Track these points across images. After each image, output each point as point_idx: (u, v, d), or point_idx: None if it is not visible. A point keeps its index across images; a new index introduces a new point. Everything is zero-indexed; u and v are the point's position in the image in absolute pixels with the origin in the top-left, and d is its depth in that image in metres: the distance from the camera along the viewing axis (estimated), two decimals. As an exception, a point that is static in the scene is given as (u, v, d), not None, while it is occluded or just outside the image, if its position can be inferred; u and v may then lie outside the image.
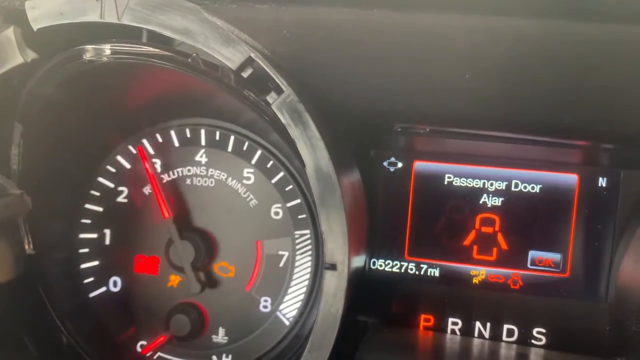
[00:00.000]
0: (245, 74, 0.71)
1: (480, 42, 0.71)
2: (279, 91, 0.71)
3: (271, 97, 0.71)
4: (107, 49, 0.75)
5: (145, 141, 0.99)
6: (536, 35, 0.69)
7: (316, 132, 0.70)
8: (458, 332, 0.99)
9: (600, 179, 0.96)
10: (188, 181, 0.99)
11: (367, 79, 0.78)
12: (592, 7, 0.66)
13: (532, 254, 0.98)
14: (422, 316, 1.00)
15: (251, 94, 0.73)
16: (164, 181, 0.99)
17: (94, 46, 0.75)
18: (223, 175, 0.98)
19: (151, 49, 0.75)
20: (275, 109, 0.70)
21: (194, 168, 0.99)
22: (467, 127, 0.88)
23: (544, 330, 0.98)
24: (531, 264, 0.98)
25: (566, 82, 0.74)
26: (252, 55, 0.70)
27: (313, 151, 0.70)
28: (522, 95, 0.77)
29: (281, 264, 0.97)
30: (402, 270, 1.01)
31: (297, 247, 0.96)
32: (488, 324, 0.99)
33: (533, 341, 0.97)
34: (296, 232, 0.96)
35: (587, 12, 0.66)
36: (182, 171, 0.99)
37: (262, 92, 0.72)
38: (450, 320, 0.99)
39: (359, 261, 0.85)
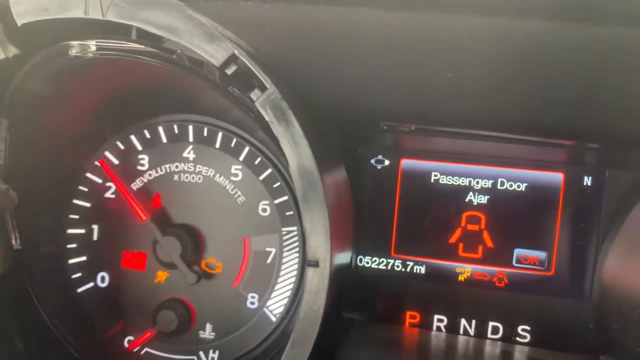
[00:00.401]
0: (229, 71, 0.71)
1: (465, 41, 0.71)
2: (263, 88, 0.71)
3: (255, 95, 0.71)
4: (92, 45, 0.75)
5: (132, 137, 0.99)
6: (521, 35, 0.69)
7: (299, 130, 0.70)
8: (443, 329, 1.00)
9: (586, 177, 0.97)
10: (176, 177, 0.99)
11: (353, 77, 0.78)
12: (577, 7, 0.66)
13: (518, 252, 0.98)
14: (408, 313, 1.01)
15: (236, 90, 0.73)
16: (152, 177, 0.99)
17: (79, 42, 0.75)
18: (211, 172, 0.98)
19: (136, 45, 0.75)
20: (258, 106, 0.71)
21: (182, 164, 0.99)
22: (453, 125, 0.88)
23: (528, 328, 0.98)
24: (516, 262, 0.98)
25: (551, 82, 0.74)
26: (236, 52, 0.70)
27: (296, 149, 0.70)
28: (507, 94, 0.77)
29: (268, 261, 0.97)
30: (389, 268, 1.01)
31: (285, 243, 0.97)
32: (473, 322, 0.99)
33: (517, 339, 0.98)
34: (284, 229, 0.97)
35: (572, 13, 0.67)
36: (169, 167, 0.99)
37: (246, 89, 0.72)
38: (436, 317, 1.00)
39: (343, 258, 0.85)
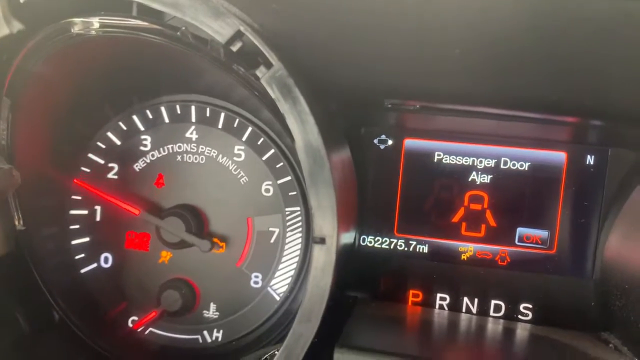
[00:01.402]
0: (234, 48, 0.70)
1: (470, 17, 0.71)
2: (269, 65, 0.70)
3: (260, 72, 0.71)
4: (95, 22, 0.74)
5: (135, 117, 0.99)
6: (526, 10, 0.69)
7: (306, 107, 0.70)
8: (446, 308, 1.01)
9: (588, 156, 0.97)
10: (178, 158, 0.99)
11: (358, 54, 0.78)
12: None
13: (520, 230, 0.99)
14: (411, 291, 1.01)
15: (240, 68, 0.73)
16: (154, 157, 0.99)
17: (82, 19, 0.74)
18: (214, 152, 0.98)
19: (140, 22, 0.74)
20: (264, 83, 0.70)
21: (185, 145, 0.99)
22: (458, 103, 0.88)
23: (530, 306, 0.99)
24: (519, 241, 0.99)
25: (555, 58, 0.74)
26: (242, 28, 0.70)
27: (302, 126, 0.70)
28: (512, 70, 0.77)
29: (272, 241, 0.97)
30: (392, 247, 1.02)
31: (288, 223, 0.97)
32: (476, 300, 1.00)
33: (520, 316, 0.99)
34: (287, 209, 0.97)
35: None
36: (172, 147, 0.99)
37: (251, 67, 0.72)
38: (439, 295, 1.01)
39: (348, 237, 0.86)
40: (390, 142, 1.01)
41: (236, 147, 0.97)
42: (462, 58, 0.75)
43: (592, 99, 0.80)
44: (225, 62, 0.73)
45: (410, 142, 1.00)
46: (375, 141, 1.01)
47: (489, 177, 0.99)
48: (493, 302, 1.00)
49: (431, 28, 0.73)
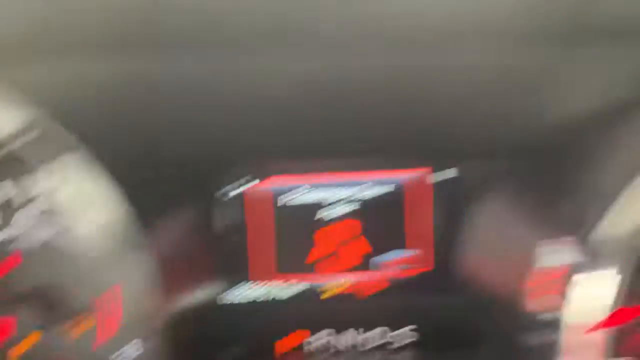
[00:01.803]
0: (28, 138, 0.67)
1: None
2: (69, 150, 0.67)
3: (62, 160, 0.68)
4: None
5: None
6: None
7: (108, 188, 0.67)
8: (322, 349, 0.98)
9: (448, 171, 0.97)
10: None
11: (168, 124, 0.77)
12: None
13: (392, 254, 0.98)
14: (282, 341, 0.98)
15: (38, 159, 0.69)
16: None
17: None
18: None
19: None
20: (64, 170, 0.67)
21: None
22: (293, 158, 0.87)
23: (413, 328, 0.98)
24: (392, 265, 0.98)
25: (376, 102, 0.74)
26: (36, 115, 0.67)
27: (108, 210, 0.67)
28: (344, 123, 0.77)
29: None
30: (253, 299, 0.98)
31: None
32: (356, 332, 0.98)
33: (402, 342, 0.98)
34: None
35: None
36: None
37: (52, 155, 0.69)
38: (313, 338, 0.98)
39: (193, 299, 0.82)
40: (232, 193, 0.96)
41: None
42: (290, 115, 0.75)
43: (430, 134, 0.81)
44: (20, 156, 0.69)
45: (253, 190, 0.96)
46: (219, 194, 0.96)
47: (352, 206, 0.97)
48: (371, 332, 0.98)
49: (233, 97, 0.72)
